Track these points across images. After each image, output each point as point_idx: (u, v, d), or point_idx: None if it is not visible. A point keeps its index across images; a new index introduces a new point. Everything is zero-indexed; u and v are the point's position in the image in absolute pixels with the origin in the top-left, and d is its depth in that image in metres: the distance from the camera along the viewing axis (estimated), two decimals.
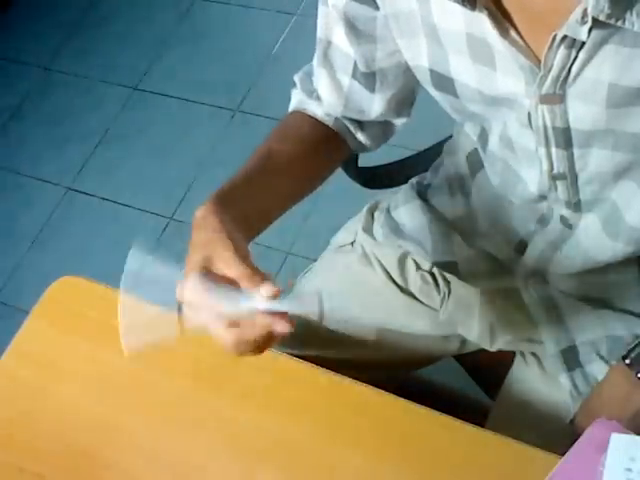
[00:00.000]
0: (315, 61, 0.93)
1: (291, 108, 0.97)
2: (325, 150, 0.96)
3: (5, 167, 2.35)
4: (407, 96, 0.92)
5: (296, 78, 0.98)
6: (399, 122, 0.97)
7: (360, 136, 0.96)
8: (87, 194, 2.23)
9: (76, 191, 2.25)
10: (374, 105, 0.92)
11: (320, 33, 0.89)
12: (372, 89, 0.90)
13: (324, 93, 0.93)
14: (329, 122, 0.94)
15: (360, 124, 0.95)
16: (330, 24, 0.87)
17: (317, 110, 0.94)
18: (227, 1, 2.50)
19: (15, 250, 2.16)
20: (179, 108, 2.32)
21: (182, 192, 2.14)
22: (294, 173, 0.90)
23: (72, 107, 2.42)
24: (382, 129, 0.97)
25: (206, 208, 0.75)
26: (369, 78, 0.89)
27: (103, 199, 2.21)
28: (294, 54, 2.29)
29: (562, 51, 0.68)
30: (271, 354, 0.89)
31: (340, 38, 0.87)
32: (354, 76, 0.89)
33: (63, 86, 2.48)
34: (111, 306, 0.96)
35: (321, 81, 0.93)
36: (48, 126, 2.40)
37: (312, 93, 0.95)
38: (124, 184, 2.21)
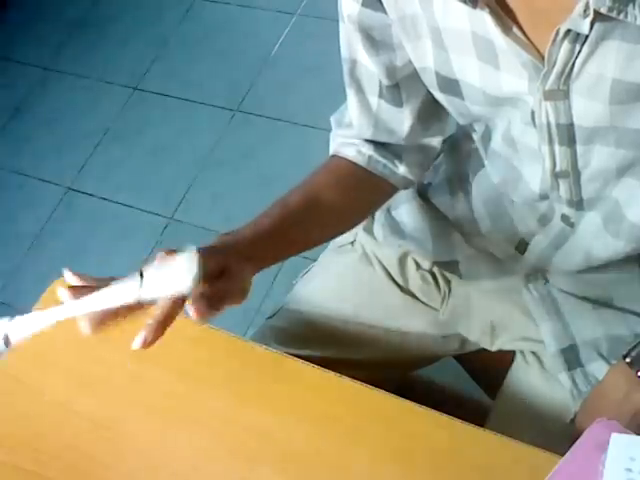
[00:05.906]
0: (345, 81, 0.91)
1: (330, 152, 0.96)
2: (362, 192, 0.95)
3: (5, 167, 2.35)
4: (434, 108, 0.89)
5: (332, 117, 0.97)
6: (435, 142, 0.94)
7: (400, 168, 0.94)
8: (87, 194, 2.23)
9: (76, 191, 2.25)
10: (403, 122, 0.90)
11: (344, 52, 0.88)
12: (399, 103, 0.89)
13: (354, 114, 0.92)
14: (362, 162, 0.93)
15: (398, 156, 0.93)
16: (352, 42, 0.86)
17: (349, 151, 0.93)
18: (227, 1, 2.50)
19: (15, 250, 2.16)
20: (179, 108, 2.32)
21: (182, 192, 2.14)
22: (329, 221, 0.92)
23: (72, 107, 2.42)
24: (421, 155, 0.95)
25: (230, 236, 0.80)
26: (394, 91, 0.88)
27: (103, 199, 2.21)
28: (294, 54, 2.29)
29: (565, 45, 0.68)
30: (272, 354, 0.89)
31: (363, 55, 0.86)
32: (381, 95, 0.88)
33: (63, 86, 2.48)
34: None
35: (350, 103, 0.91)
36: (48, 126, 2.40)
37: (342, 122, 0.94)
38: (124, 184, 2.21)
